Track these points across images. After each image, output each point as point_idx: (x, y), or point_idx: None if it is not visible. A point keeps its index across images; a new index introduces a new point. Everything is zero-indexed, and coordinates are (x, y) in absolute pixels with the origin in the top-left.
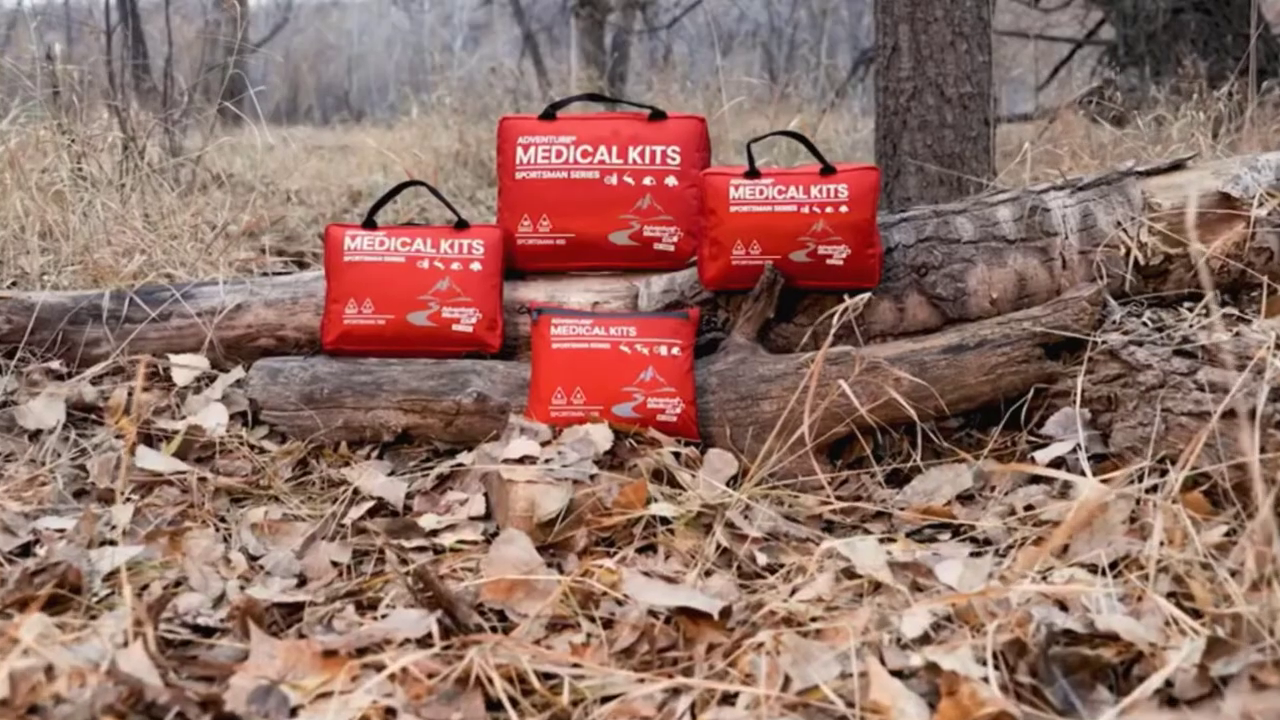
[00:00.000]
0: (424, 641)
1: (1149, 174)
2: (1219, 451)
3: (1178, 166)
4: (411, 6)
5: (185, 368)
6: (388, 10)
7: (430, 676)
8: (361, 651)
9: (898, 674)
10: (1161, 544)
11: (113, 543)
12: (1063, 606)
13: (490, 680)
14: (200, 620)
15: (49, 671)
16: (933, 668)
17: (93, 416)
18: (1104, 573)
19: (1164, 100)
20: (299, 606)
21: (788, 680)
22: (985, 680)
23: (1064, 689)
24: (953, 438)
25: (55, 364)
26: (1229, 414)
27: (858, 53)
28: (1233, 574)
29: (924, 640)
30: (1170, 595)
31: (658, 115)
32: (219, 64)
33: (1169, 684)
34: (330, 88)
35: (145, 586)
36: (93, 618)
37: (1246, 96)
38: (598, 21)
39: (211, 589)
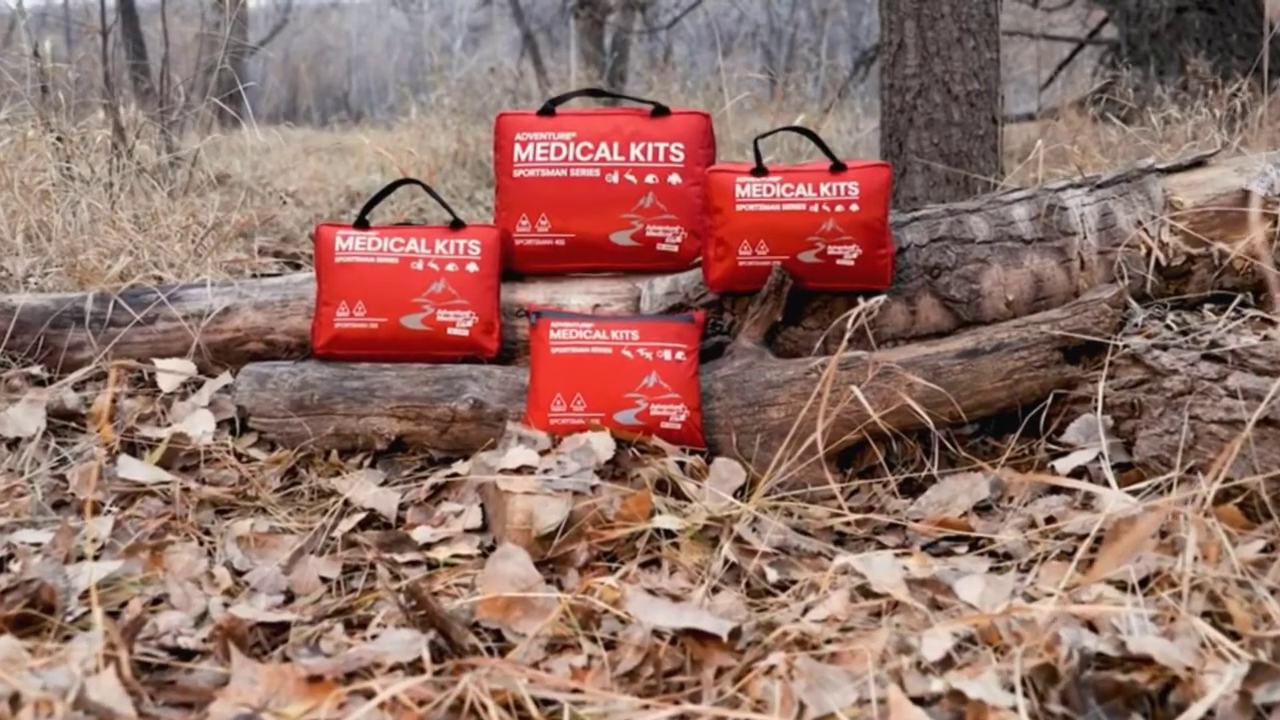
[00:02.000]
0: (415, 664)
1: (1169, 171)
2: (1254, 462)
3: (1199, 164)
4: (411, 8)
5: (171, 373)
6: (387, 11)
7: (422, 704)
8: (349, 676)
9: (919, 701)
10: (1195, 560)
11: (95, 557)
12: (1091, 627)
13: (485, 707)
14: (180, 641)
15: (14, 700)
16: (957, 695)
17: (74, 424)
18: (1134, 590)
19: (1169, 99)
20: (285, 626)
21: (803, 708)
22: (1014, 709)
23: (1098, 718)
24: (967, 445)
25: (36, 369)
26: (1264, 422)
27: (858, 53)
28: (1272, 592)
29: (946, 664)
30: (1205, 615)
31: (660, 111)
32: (214, 63)
33: (1210, 712)
34: (329, 89)
35: (124, 604)
36: (67, 639)
37: (1256, 95)
38: (597, 22)
39: (193, 607)
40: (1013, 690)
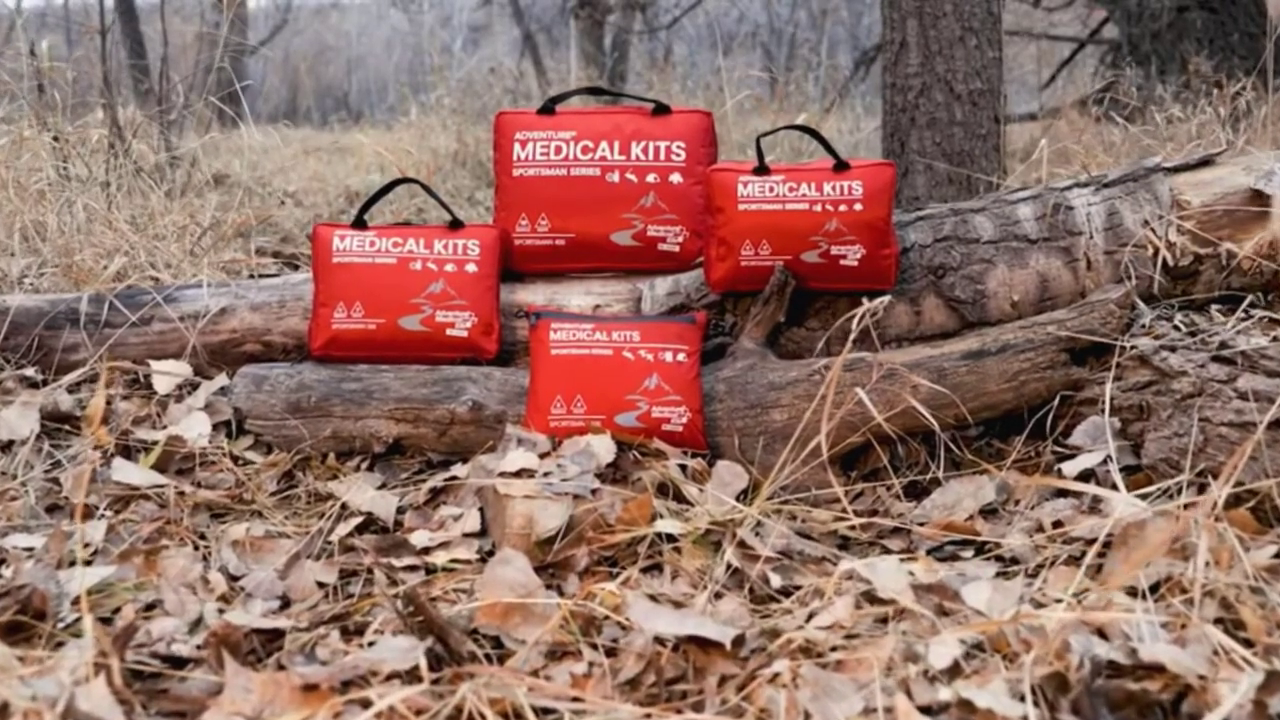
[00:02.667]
0: (413, 673)
1: (1176, 170)
2: (1265, 465)
3: (1206, 163)
4: (411, 8)
5: (166, 375)
6: (387, 12)
7: (419, 713)
8: (345, 685)
9: (927, 710)
10: (1206, 565)
11: (87, 563)
12: (1101, 634)
13: (484, 716)
14: (174, 648)
15: (3, 710)
16: (966, 704)
17: (68, 427)
18: (1144, 596)
19: (1170, 99)
20: (280, 633)
21: (807, 717)
22: (1024, 719)
23: None
24: (972, 448)
25: (30, 371)
26: (1276, 424)
27: (858, 52)
28: None
29: (954, 672)
30: (1218, 622)
31: (661, 110)
32: (213, 62)
33: None
34: (329, 89)
35: (117, 610)
36: (58, 646)
37: (1260, 95)
38: (597, 22)
39: (188, 612)
40: (1022, 699)
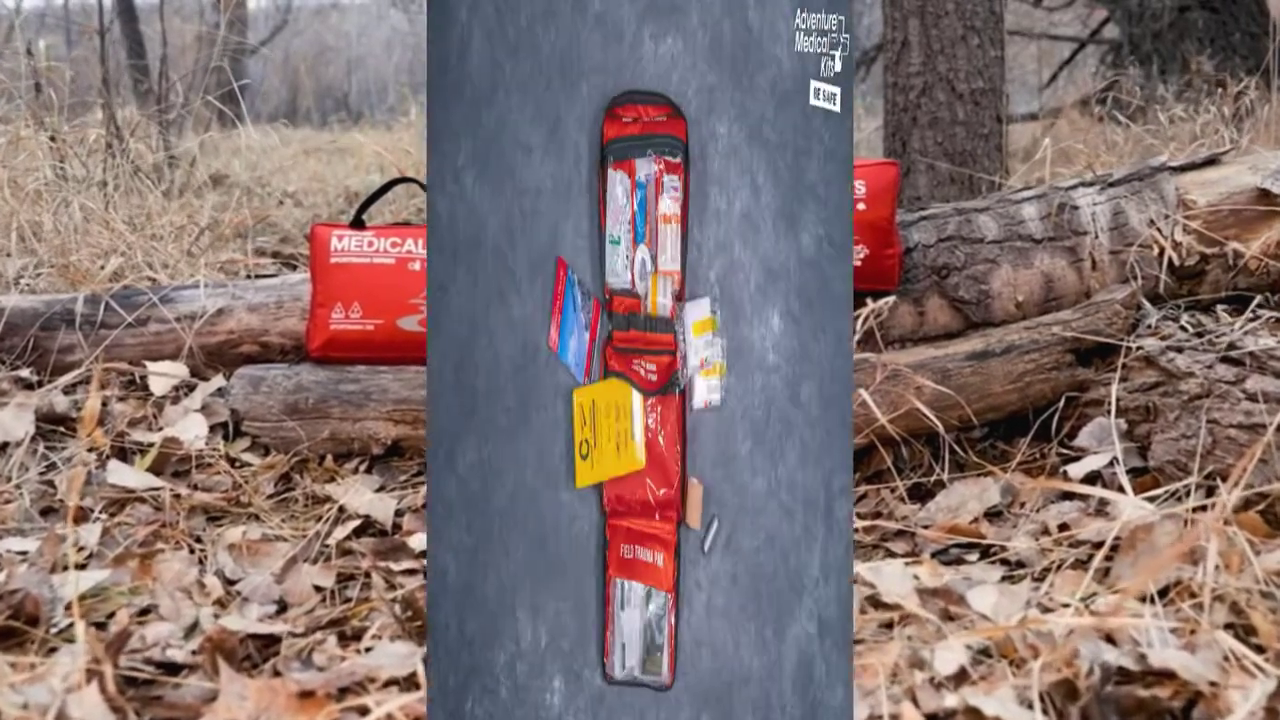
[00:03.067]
0: (411, 679)
1: (1182, 169)
2: (1275, 468)
3: (1212, 162)
4: (411, 8)
5: (163, 376)
6: (387, 12)
7: None
8: (342, 691)
9: (933, 717)
10: (1216, 569)
11: (81, 566)
12: (1110, 639)
13: None
14: (169, 654)
15: None
16: (973, 712)
17: (63, 429)
18: (1153, 601)
19: (1172, 99)
20: (276, 638)
21: None
22: None
23: None
24: (976, 449)
25: (25, 372)
26: None
27: (859, 52)
28: None
29: (960, 678)
30: (1228, 627)
31: None
32: (211, 61)
33: None
34: (329, 89)
35: (111, 615)
36: (51, 651)
37: (1263, 94)
38: None
39: (183, 617)
40: (1031, 707)
